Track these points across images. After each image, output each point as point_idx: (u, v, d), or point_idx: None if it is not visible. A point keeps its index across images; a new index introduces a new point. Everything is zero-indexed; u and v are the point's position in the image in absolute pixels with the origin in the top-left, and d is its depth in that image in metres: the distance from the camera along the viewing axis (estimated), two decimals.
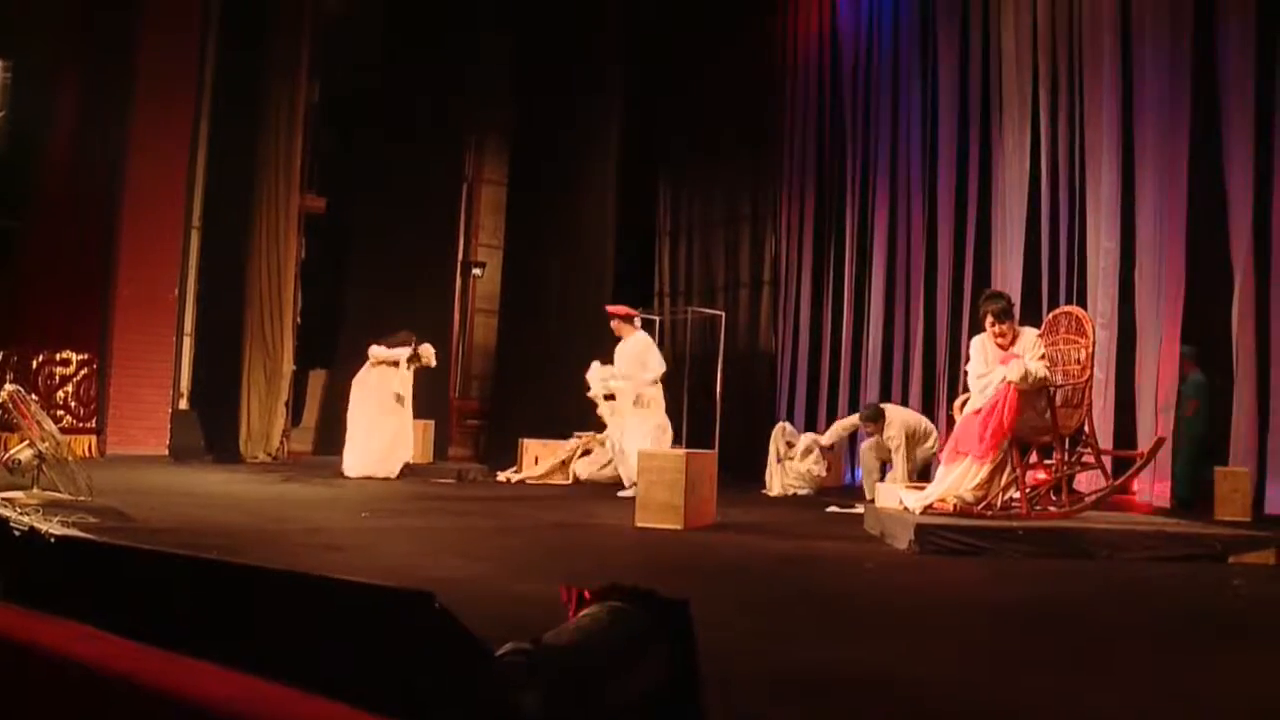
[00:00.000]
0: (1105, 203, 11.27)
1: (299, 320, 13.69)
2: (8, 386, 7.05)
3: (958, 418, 7.45)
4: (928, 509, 6.99)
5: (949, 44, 13.40)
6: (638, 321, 11.16)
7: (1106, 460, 7.94)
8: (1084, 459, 7.59)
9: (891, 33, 14.38)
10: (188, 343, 13.76)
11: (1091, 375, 7.31)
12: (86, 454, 11.61)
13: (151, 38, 12.90)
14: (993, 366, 7.18)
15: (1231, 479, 9.55)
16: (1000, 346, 7.21)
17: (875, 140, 14.53)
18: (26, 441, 6.67)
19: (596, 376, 10.96)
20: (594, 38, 15.97)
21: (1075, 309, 7.73)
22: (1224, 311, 10.45)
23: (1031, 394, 6.98)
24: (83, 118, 12.36)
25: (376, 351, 11.66)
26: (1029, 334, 7.29)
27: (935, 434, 11.10)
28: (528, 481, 12.38)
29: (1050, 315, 7.99)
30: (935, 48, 13.64)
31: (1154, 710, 2.90)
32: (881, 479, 10.59)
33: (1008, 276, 12.12)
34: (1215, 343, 10.53)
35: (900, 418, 11.08)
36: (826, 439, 12.01)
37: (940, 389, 13.16)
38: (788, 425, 12.26)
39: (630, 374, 10.83)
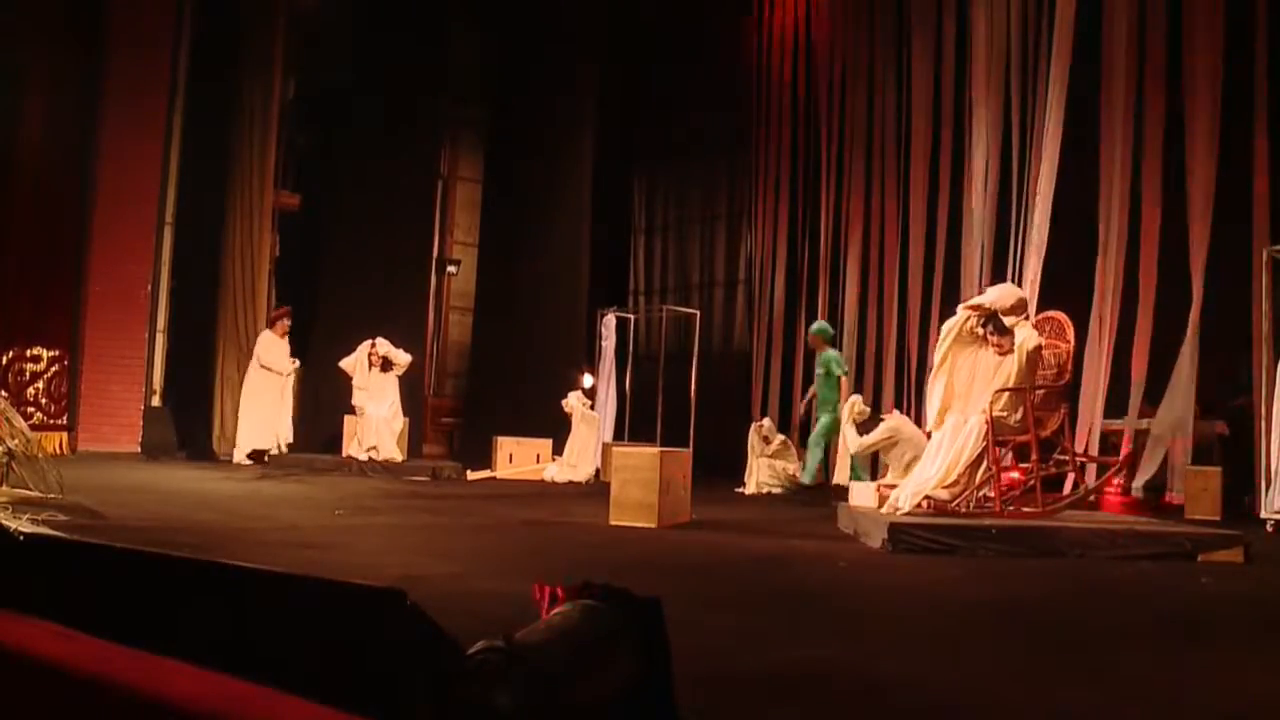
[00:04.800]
0: (1069, 201, 11.40)
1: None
2: None
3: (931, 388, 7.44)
4: (917, 507, 6.99)
5: (923, 43, 13.46)
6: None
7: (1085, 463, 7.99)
8: (1060, 461, 7.64)
9: (867, 31, 14.43)
10: (160, 339, 13.67)
11: (1070, 379, 7.35)
12: (57, 451, 11.52)
13: (123, 35, 12.81)
14: (982, 375, 7.20)
15: (1201, 478, 9.62)
16: (1000, 354, 7.19)
17: (850, 138, 14.59)
18: None
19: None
20: (569, 36, 15.95)
21: (1057, 314, 7.76)
22: (1181, 314, 10.64)
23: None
24: (53, 115, 12.26)
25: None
26: (1020, 333, 7.23)
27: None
28: (498, 478, 12.46)
29: (1034, 320, 8.01)
30: (909, 47, 13.70)
31: (1123, 707, 2.92)
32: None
33: (977, 274, 12.19)
34: (1170, 341, 10.71)
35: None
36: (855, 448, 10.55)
37: (910, 385, 13.25)
38: (765, 421, 12.25)
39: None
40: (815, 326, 12.07)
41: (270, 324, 12.88)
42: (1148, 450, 10.70)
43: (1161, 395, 10.79)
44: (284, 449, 12.49)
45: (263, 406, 12.46)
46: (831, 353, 11.71)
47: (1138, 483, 10.58)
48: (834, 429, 11.30)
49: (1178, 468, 10.55)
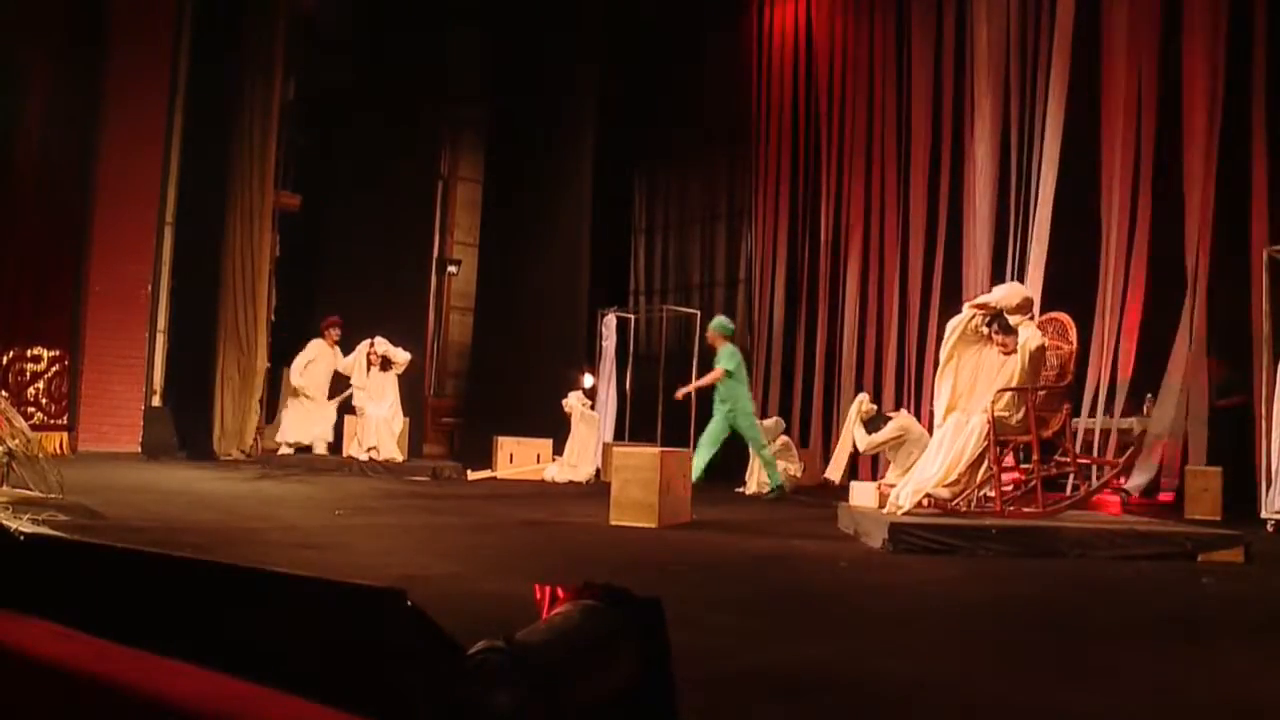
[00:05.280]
0: (1069, 201, 11.40)
1: (273, 318, 13.64)
2: None
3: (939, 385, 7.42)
4: (918, 505, 6.99)
5: (923, 43, 13.47)
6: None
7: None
8: (1061, 462, 7.64)
9: (867, 31, 14.44)
10: (161, 339, 13.66)
11: (1072, 380, 7.34)
12: (58, 451, 11.51)
13: (123, 35, 12.80)
14: (985, 374, 7.21)
15: (1202, 478, 9.61)
16: (1005, 354, 7.20)
17: (850, 138, 14.60)
18: None
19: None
20: (569, 36, 15.96)
21: (1060, 315, 7.75)
22: (1179, 314, 10.66)
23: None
24: (53, 115, 12.24)
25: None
26: (1024, 332, 7.24)
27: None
28: (499, 478, 12.48)
29: (1039, 320, 8.01)
30: (909, 47, 13.71)
31: (1124, 707, 2.92)
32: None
33: (977, 276, 12.20)
34: (1169, 341, 10.71)
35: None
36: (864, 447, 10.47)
37: (910, 384, 13.25)
38: (768, 422, 12.20)
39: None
40: (714, 321, 11.43)
41: (320, 332, 12.74)
42: (1143, 450, 10.71)
43: (1159, 395, 10.80)
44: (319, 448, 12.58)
45: (304, 403, 12.51)
46: (730, 348, 11.02)
47: (1131, 483, 10.59)
48: (725, 430, 10.87)
49: (1169, 467, 10.57)
